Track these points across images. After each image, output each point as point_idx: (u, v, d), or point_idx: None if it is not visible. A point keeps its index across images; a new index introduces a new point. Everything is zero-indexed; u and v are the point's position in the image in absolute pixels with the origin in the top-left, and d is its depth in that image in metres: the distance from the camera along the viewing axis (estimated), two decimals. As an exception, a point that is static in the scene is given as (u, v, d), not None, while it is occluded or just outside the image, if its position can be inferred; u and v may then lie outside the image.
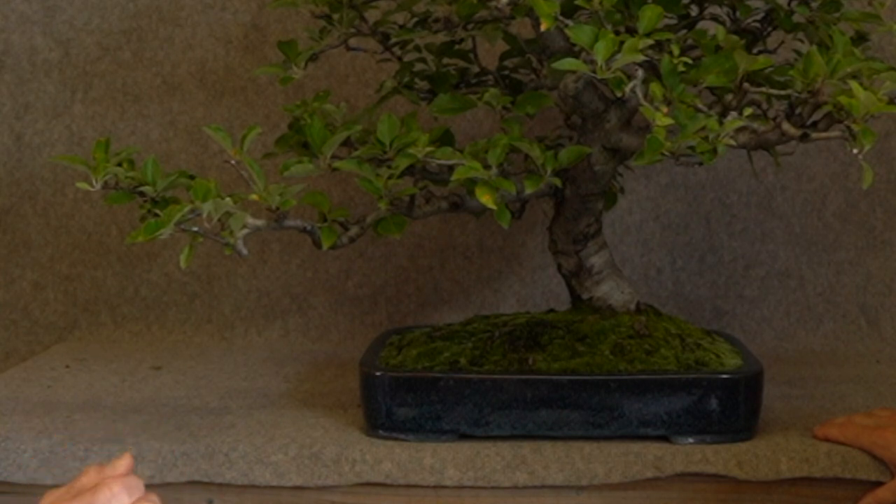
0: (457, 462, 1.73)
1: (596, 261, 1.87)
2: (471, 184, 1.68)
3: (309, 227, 1.73)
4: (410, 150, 1.68)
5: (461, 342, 1.84)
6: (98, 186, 1.68)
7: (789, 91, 1.64)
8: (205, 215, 1.64)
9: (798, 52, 1.84)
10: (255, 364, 2.19)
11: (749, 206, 2.35)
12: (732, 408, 1.74)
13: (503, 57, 1.93)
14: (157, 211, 1.68)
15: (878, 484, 1.70)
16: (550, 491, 1.73)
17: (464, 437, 1.76)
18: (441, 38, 1.90)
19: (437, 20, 1.87)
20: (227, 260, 2.36)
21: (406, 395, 1.75)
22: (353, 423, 1.82)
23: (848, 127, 1.56)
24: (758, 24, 1.87)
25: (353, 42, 1.90)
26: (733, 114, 1.63)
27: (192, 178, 1.71)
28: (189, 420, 1.84)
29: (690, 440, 1.74)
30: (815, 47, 1.65)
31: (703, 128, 1.58)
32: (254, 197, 1.68)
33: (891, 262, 2.34)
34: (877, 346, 2.31)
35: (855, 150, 1.54)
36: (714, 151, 1.59)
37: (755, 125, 1.65)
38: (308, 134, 1.74)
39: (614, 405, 1.74)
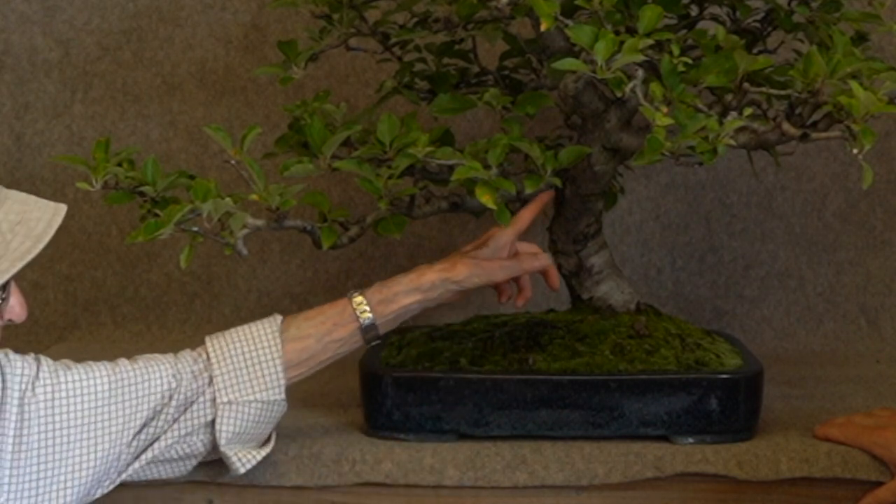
0: (457, 462, 1.73)
1: (596, 261, 1.87)
2: (471, 184, 1.68)
3: (309, 227, 1.73)
4: (410, 150, 1.68)
5: (461, 342, 1.84)
6: (98, 186, 1.68)
7: (789, 91, 1.64)
8: (205, 215, 1.64)
9: (798, 52, 1.84)
10: (255, 364, 2.19)
11: (749, 206, 2.35)
12: (732, 408, 1.74)
13: (503, 57, 1.93)
14: (157, 211, 1.68)
15: (878, 484, 1.70)
16: (550, 491, 1.73)
17: (464, 437, 1.76)
18: (441, 38, 1.90)
19: (437, 20, 1.87)
20: (227, 260, 2.36)
21: (406, 395, 1.75)
22: (353, 423, 1.82)
23: (848, 127, 1.56)
24: (758, 24, 1.87)
25: (353, 42, 1.90)
26: (733, 114, 1.63)
27: (192, 178, 1.71)
28: (189, 420, 1.84)
29: (690, 440, 1.74)
30: (815, 47, 1.65)
31: (703, 128, 1.58)
32: (254, 197, 1.68)
33: (891, 262, 2.34)
34: (877, 346, 2.31)
35: (855, 150, 1.54)
36: (714, 151, 1.59)
37: (755, 125, 1.65)
38: (308, 134, 1.74)
39: (614, 405, 1.74)
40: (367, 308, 1.71)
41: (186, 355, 1.69)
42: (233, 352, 1.67)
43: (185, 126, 2.38)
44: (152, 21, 2.37)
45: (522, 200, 1.83)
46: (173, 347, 2.31)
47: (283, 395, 1.68)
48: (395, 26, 1.90)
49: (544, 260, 1.79)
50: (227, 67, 2.37)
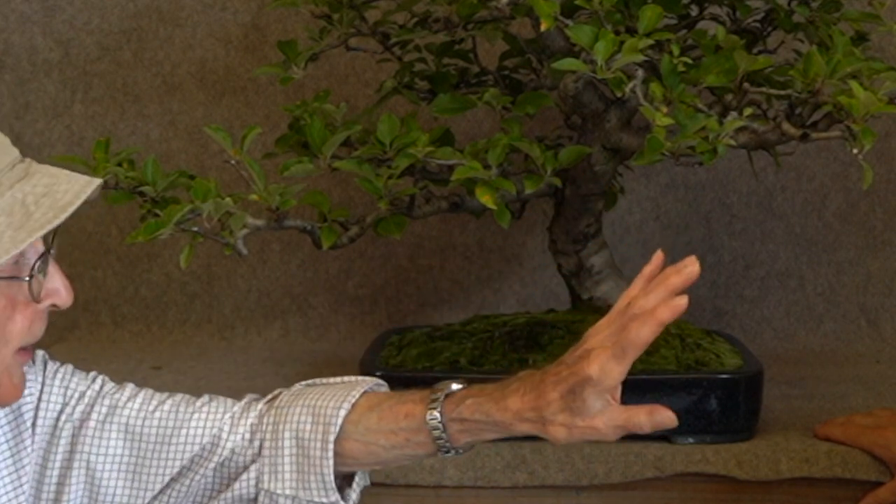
0: (457, 462, 1.73)
1: (596, 261, 1.87)
2: (471, 184, 1.68)
3: (309, 227, 1.73)
4: (410, 150, 1.68)
5: (461, 342, 1.84)
6: (98, 186, 1.68)
7: (789, 91, 1.64)
8: (205, 215, 1.64)
9: (798, 52, 1.84)
10: (255, 364, 2.19)
11: (749, 206, 2.35)
12: (732, 408, 1.74)
13: (503, 57, 1.93)
14: (157, 211, 1.68)
15: (878, 484, 1.70)
16: (550, 491, 1.73)
17: (464, 437, 1.76)
18: (441, 38, 1.90)
19: (437, 20, 1.87)
20: (227, 260, 2.36)
21: (406, 395, 1.75)
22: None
23: (848, 127, 1.56)
24: (758, 24, 1.87)
25: (353, 42, 1.90)
26: (733, 114, 1.63)
27: (192, 178, 1.71)
28: (189, 420, 1.83)
29: (690, 440, 1.74)
30: (815, 47, 1.65)
31: (703, 128, 1.58)
32: (254, 197, 1.68)
33: (891, 262, 2.34)
34: (877, 346, 2.31)
35: (855, 150, 1.54)
36: (714, 151, 1.59)
37: (755, 125, 1.65)
38: (308, 134, 1.74)
39: (614, 405, 1.73)
40: (445, 438, 1.42)
41: (253, 411, 1.51)
42: (282, 435, 1.48)
43: (185, 126, 2.38)
44: (152, 21, 2.37)
45: (522, 200, 1.83)
46: (173, 348, 2.32)
47: (330, 499, 1.46)
48: (395, 26, 1.90)
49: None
50: (227, 67, 2.37)
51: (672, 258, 2.40)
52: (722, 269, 2.35)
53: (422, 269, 2.37)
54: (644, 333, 1.32)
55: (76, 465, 1.49)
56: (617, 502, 1.74)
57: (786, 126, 1.64)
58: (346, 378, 1.53)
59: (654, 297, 1.36)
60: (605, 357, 1.32)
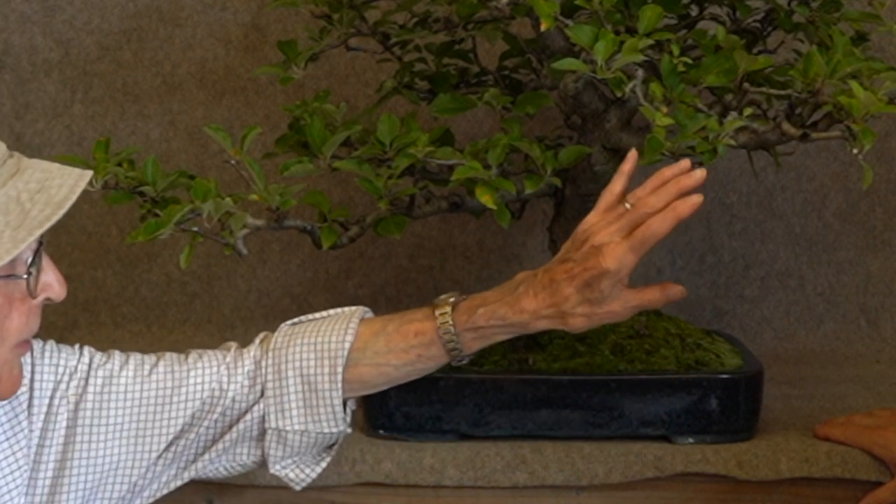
0: (457, 462, 1.73)
1: (596, 261, 1.87)
2: (471, 184, 1.68)
3: (309, 227, 1.73)
4: (410, 150, 1.68)
5: (461, 342, 1.84)
6: (98, 186, 1.68)
7: (789, 91, 1.64)
8: (205, 215, 1.64)
9: (798, 52, 1.84)
10: (255, 364, 2.19)
11: (749, 206, 2.35)
12: (732, 408, 1.74)
13: (503, 57, 1.93)
14: (157, 211, 1.68)
15: (878, 484, 1.70)
16: (550, 491, 1.73)
17: (464, 437, 1.76)
18: (441, 38, 1.90)
19: (437, 20, 1.87)
20: (227, 260, 2.36)
21: (406, 396, 1.75)
22: (353, 423, 1.82)
23: (848, 127, 1.56)
24: (758, 24, 1.87)
25: (353, 42, 1.90)
26: (733, 114, 1.63)
27: (192, 178, 1.71)
28: (189, 420, 1.83)
29: (690, 440, 1.74)
30: (815, 47, 1.65)
31: (703, 128, 1.58)
32: (254, 197, 1.68)
33: (891, 262, 2.34)
34: (877, 346, 2.31)
35: (855, 150, 1.54)
36: (714, 151, 1.59)
37: (755, 125, 1.65)
38: (308, 134, 1.74)
39: (614, 405, 1.74)
40: (459, 348, 1.55)
41: (247, 358, 1.58)
42: (286, 374, 1.56)
43: (185, 126, 2.37)
44: (152, 21, 2.37)
45: (522, 200, 1.83)
46: (173, 347, 2.31)
47: (339, 428, 1.56)
48: (395, 26, 1.90)
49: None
50: (227, 67, 2.37)
51: (672, 258, 2.41)
52: (722, 269, 2.35)
53: (422, 269, 2.37)
54: (665, 227, 1.48)
55: (78, 438, 1.52)
56: (617, 502, 1.74)
57: (786, 126, 1.64)
58: (330, 311, 1.63)
59: (665, 196, 1.48)
60: (621, 251, 1.48)
